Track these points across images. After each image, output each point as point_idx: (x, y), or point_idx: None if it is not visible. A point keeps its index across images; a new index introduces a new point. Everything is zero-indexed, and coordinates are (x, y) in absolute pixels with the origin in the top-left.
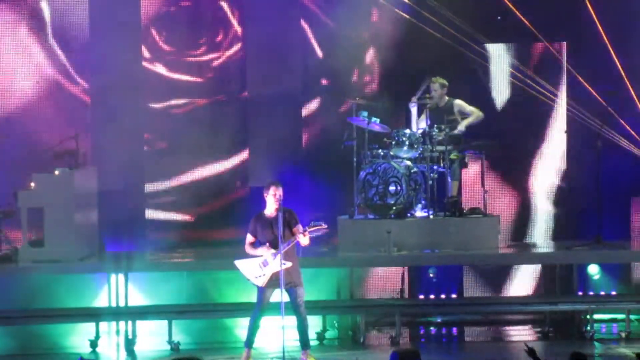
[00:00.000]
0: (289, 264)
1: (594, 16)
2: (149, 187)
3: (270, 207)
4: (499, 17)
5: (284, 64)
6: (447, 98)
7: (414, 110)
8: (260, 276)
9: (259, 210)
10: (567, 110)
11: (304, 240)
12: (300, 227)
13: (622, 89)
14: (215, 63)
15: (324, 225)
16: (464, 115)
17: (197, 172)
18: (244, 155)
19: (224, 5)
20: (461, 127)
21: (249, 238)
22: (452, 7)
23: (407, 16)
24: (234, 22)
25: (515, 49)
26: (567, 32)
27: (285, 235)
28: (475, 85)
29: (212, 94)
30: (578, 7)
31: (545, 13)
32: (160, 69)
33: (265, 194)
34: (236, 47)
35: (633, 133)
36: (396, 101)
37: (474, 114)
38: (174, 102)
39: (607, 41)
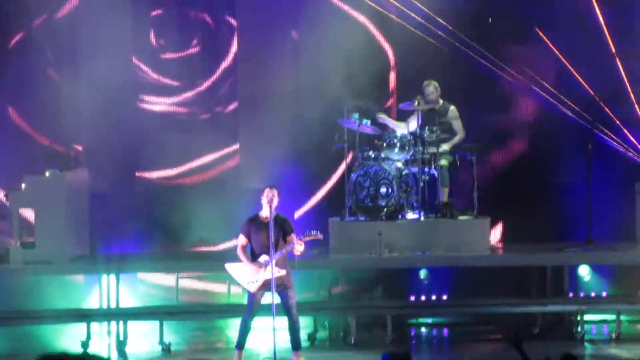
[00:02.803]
0: (282, 272)
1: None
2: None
3: (265, 210)
4: (489, 19)
5: (276, 70)
6: (441, 101)
7: (386, 119)
8: (252, 282)
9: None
10: (559, 110)
11: (298, 248)
12: (294, 236)
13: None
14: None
15: (320, 235)
16: (452, 126)
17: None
18: (235, 157)
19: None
20: (446, 146)
21: (241, 239)
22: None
23: (399, 20)
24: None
25: (505, 48)
26: (564, 28)
27: (279, 243)
28: (468, 90)
29: (205, 100)
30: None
31: (540, 9)
32: (151, 72)
33: (261, 197)
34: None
35: (628, 135)
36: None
37: (460, 134)
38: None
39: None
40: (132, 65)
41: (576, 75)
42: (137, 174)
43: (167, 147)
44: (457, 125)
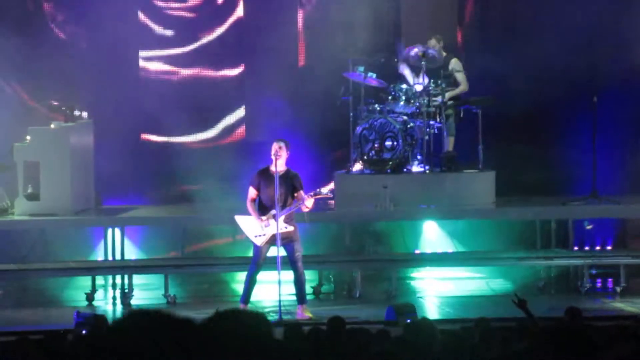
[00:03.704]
0: (290, 228)
1: None
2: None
3: (274, 164)
4: None
5: (280, 22)
6: (444, 53)
7: (406, 72)
8: (260, 235)
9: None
10: (565, 62)
11: (307, 204)
12: (303, 193)
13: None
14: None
15: (331, 194)
16: (454, 78)
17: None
18: (240, 111)
19: None
20: (445, 97)
21: (251, 192)
22: None
23: None
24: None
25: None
26: None
27: (287, 198)
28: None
29: (210, 56)
30: None
31: None
32: (155, 26)
33: (270, 151)
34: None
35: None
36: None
37: (462, 85)
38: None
39: None
40: (137, 20)
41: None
42: (143, 136)
43: (171, 112)
44: (460, 77)
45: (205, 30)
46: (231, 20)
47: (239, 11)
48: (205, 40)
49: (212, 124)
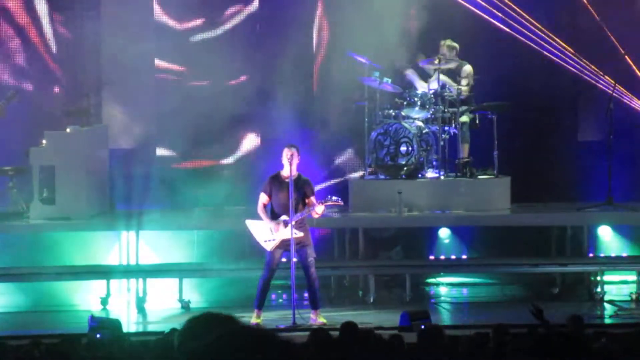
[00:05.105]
0: (300, 234)
1: None
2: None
3: (286, 169)
4: None
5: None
6: (459, 60)
7: (414, 76)
8: (269, 240)
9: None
10: (580, 71)
11: (317, 211)
12: (314, 199)
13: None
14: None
15: (341, 202)
16: (460, 83)
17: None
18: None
19: None
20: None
21: (263, 197)
22: None
23: None
24: None
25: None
26: None
27: (299, 204)
28: (486, 50)
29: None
30: None
31: None
32: (172, 23)
33: (281, 157)
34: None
35: None
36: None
37: (463, 90)
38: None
39: None
40: (154, 20)
41: (607, 32)
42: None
43: (185, 129)
44: (464, 82)
45: (224, 19)
46: (243, 15)
47: (254, 5)
48: (220, 31)
49: (227, 139)
